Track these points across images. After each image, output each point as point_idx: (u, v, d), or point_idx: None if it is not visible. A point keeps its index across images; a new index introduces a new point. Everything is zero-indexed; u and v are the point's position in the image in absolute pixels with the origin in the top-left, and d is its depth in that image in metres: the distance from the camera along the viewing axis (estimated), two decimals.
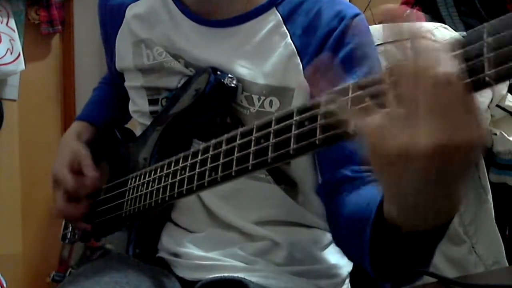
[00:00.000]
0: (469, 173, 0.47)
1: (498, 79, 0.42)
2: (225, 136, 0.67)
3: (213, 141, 0.69)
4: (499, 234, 1.16)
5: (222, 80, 0.82)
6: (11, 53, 2.21)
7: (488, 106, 1.11)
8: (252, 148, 0.61)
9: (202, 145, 0.72)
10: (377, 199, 0.57)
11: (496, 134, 1.12)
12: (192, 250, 0.87)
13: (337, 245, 0.81)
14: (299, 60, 0.82)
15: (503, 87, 1.18)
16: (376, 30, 1.21)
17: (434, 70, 0.43)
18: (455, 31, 1.19)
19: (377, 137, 0.45)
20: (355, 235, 0.63)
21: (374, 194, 0.60)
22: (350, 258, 0.79)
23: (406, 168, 0.45)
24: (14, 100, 2.33)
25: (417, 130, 0.43)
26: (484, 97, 1.08)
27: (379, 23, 1.59)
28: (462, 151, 0.43)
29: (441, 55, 0.43)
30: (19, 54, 2.23)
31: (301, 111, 0.57)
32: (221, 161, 0.66)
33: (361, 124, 0.47)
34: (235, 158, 0.64)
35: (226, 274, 0.83)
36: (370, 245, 0.59)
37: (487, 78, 0.42)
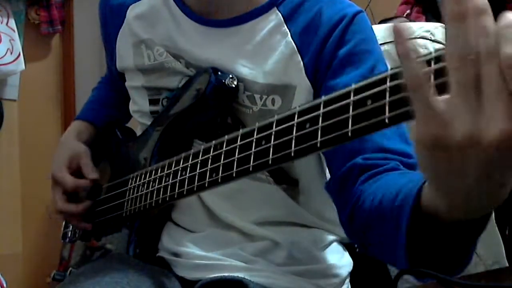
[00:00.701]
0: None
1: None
2: (226, 137, 0.67)
3: (214, 142, 0.69)
4: (499, 234, 1.16)
5: (223, 81, 0.82)
6: (11, 53, 2.21)
7: None
8: (253, 150, 0.61)
9: (203, 146, 0.72)
10: (410, 188, 0.55)
11: None
12: (192, 249, 0.88)
13: (355, 240, 0.76)
14: (300, 58, 0.82)
15: None
16: (376, 30, 1.21)
17: (501, 52, 0.39)
18: None
19: (440, 125, 0.41)
20: (384, 228, 0.60)
21: (401, 182, 0.59)
22: (371, 251, 0.71)
23: (469, 158, 0.41)
24: (14, 100, 2.33)
25: (483, 118, 0.40)
26: None
27: (379, 23, 1.59)
28: None
29: (509, 33, 0.39)
30: (19, 54, 2.23)
31: (302, 112, 0.57)
32: (222, 162, 0.66)
33: (423, 109, 0.42)
34: (236, 159, 0.64)
35: (226, 274, 0.83)
36: (407, 237, 0.54)
37: None
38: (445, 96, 0.42)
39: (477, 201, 0.46)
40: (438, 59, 0.44)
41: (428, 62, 0.44)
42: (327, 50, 0.81)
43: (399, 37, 0.43)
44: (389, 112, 0.48)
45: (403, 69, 0.44)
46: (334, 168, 0.77)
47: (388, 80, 0.48)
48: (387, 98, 0.48)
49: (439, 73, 0.43)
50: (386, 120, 0.47)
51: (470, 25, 0.40)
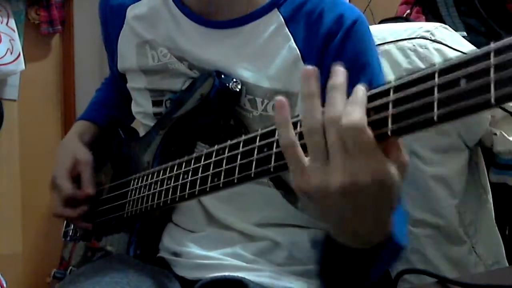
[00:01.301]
0: (386, 206, 0.54)
1: (399, 134, 0.49)
2: (229, 142, 0.67)
3: (216, 147, 0.69)
4: (499, 234, 1.16)
5: (227, 84, 0.82)
6: (11, 53, 2.20)
7: None
8: (255, 156, 0.61)
9: (205, 150, 0.72)
10: None
11: (496, 134, 1.12)
12: (193, 249, 0.88)
13: None
14: (303, 65, 0.82)
15: None
16: (376, 30, 1.21)
17: (342, 121, 0.50)
18: (455, 31, 1.19)
19: (302, 179, 0.53)
20: None
21: None
22: None
23: (327, 203, 0.53)
24: (14, 100, 2.33)
25: (330, 172, 0.51)
26: None
27: (379, 23, 1.59)
28: (369, 189, 0.50)
29: (349, 108, 0.50)
30: (19, 54, 2.23)
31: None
32: (224, 167, 0.66)
33: (292, 166, 0.54)
34: (238, 165, 0.64)
35: (226, 274, 0.83)
36: (321, 258, 0.68)
37: (389, 132, 0.48)
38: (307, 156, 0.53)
39: (352, 234, 0.57)
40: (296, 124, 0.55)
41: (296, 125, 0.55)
42: (327, 59, 0.81)
43: (279, 111, 0.54)
44: (392, 125, 0.49)
45: (278, 134, 0.56)
46: None
47: (391, 92, 0.49)
48: (390, 111, 0.49)
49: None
50: (389, 133, 0.49)
51: (316, 102, 0.52)
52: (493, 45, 0.43)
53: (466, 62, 0.44)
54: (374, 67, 0.82)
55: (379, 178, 0.50)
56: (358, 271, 0.66)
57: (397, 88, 0.49)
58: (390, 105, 0.49)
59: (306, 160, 0.53)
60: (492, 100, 0.42)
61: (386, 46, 1.17)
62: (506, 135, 1.11)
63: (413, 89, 0.47)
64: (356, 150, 0.49)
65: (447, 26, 1.20)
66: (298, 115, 0.56)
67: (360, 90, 0.52)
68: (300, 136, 0.54)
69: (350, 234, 0.58)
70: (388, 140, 0.50)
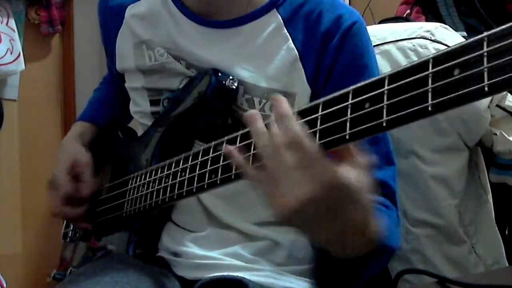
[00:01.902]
0: (355, 210, 0.55)
1: (326, 148, 0.53)
2: (225, 138, 0.67)
3: (213, 143, 0.69)
4: (499, 234, 1.16)
5: (224, 82, 0.82)
6: (11, 53, 2.20)
7: (488, 106, 1.11)
8: (252, 152, 0.61)
9: (202, 147, 0.72)
10: None
11: (496, 134, 1.12)
12: (193, 249, 0.88)
13: None
14: (301, 66, 0.82)
15: None
16: (376, 30, 1.21)
17: (281, 139, 0.53)
18: (455, 31, 1.19)
19: (269, 197, 0.56)
20: None
21: None
22: None
23: (291, 220, 0.55)
24: (14, 100, 2.33)
25: (280, 189, 0.54)
26: None
27: (379, 23, 1.59)
28: (319, 198, 0.52)
29: (285, 125, 0.54)
30: (19, 54, 2.23)
31: (300, 114, 0.57)
32: (221, 163, 0.67)
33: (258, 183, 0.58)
34: None
35: (226, 274, 0.83)
36: (314, 259, 0.69)
37: (486, 88, 0.43)
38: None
39: (329, 242, 0.59)
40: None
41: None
42: (326, 60, 0.81)
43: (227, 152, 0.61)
44: (387, 116, 0.48)
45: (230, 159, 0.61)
46: None
47: (386, 82, 0.48)
48: (385, 101, 0.48)
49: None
50: (384, 124, 0.48)
51: (261, 133, 0.57)
52: (486, 34, 0.43)
53: (460, 51, 0.44)
54: (372, 68, 0.83)
55: (327, 184, 0.52)
56: (347, 274, 0.67)
57: (392, 79, 0.49)
58: (385, 96, 0.49)
59: (268, 182, 0.56)
60: (486, 89, 0.42)
61: (386, 46, 1.17)
62: (506, 135, 1.11)
63: (407, 80, 0.47)
64: (299, 163, 0.53)
65: (447, 26, 1.20)
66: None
67: (280, 101, 0.57)
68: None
69: (327, 242, 0.60)
70: (341, 145, 0.52)
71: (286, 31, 0.84)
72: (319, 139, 0.54)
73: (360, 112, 0.51)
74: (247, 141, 0.62)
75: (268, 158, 0.56)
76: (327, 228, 0.56)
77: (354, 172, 0.53)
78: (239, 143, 0.64)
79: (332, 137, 0.53)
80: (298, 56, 0.83)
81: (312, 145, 0.52)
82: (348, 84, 0.79)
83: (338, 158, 0.54)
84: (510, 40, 0.41)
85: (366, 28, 0.85)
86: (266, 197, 0.56)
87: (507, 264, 1.15)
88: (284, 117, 0.55)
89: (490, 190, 1.17)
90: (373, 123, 0.49)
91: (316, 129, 0.54)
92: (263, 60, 0.84)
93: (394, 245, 0.68)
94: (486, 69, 0.42)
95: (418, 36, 1.15)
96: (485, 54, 0.42)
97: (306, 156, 0.52)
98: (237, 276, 0.82)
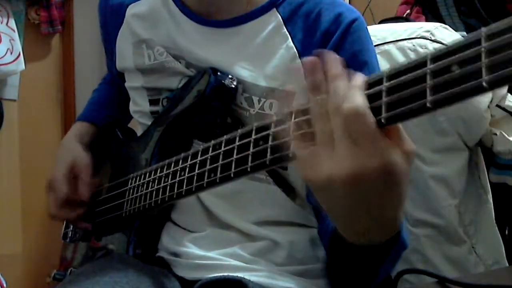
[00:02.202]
0: (394, 197, 0.52)
1: (391, 122, 0.48)
2: (225, 137, 0.67)
3: (212, 142, 0.69)
4: (499, 234, 1.16)
5: (223, 81, 0.82)
6: (11, 53, 2.21)
7: (488, 106, 1.11)
8: (251, 150, 0.61)
9: (201, 146, 0.72)
10: None
11: (496, 134, 1.12)
12: (192, 249, 0.87)
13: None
14: (301, 64, 0.82)
15: (503, 87, 1.18)
16: (376, 30, 1.21)
17: (343, 106, 0.49)
18: (455, 31, 1.19)
19: (309, 168, 0.52)
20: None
21: None
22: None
23: (334, 194, 0.51)
24: (14, 100, 2.33)
25: (336, 161, 0.50)
26: (484, 97, 1.08)
27: (379, 23, 1.59)
28: (374, 177, 0.49)
29: (350, 93, 0.49)
30: (19, 54, 2.23)
31: (299, 113, 0.57)
32: (220, 162, 0.66)
33: (295, 152, 0.54)
34: (234, 159, 0.64)
35: (225, 274, 0.83)
36: (328, 257, 0.67)
37: (383, 120, 0.48)
38: (312, 144, 0.52)
39: (359, 228, 0.55)
40: (305, 111, 0.54)
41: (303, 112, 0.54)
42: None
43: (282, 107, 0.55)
44: (386, 112, 0.48)
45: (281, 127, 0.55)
46: None
47: (384, 80, 0.49)
48: (383, 99, 0.48)
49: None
50: (383, 121, 0.48)
51: (324, 90, 0.52)
52: (484, 30, 0.43)
53: (458, 48, 0.44)
54: (372, 65, 0.82)
55: (384, 163, 0.49)
56: (366, 269, 0.64)
57: (391, 77, 0.49)
58: (384, 93, 0.49)
59: (313, 148, 0.52)
60: (484, 84, 0.42)
61: (386, 46, 1.17)
62: (506, 135, 1.11)
63: (406, 77, 0.47)
64: (359, 135, 0.48)
65: (447, 26, 1.20)
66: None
67: (359, 76, 0.52)
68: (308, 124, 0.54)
69: (358, 228, 0.56)
70: (387, 127, 0.49)
71: (285, 30, 0.84)
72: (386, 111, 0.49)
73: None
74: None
75: (320, 123, 0.52)
76: (368, 211, 0.53)
77: (403, 157, 0.50)
78: (238, 142, 0.64)
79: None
80: (297, 55, 0.83)
81: (373, 121, 0.48)
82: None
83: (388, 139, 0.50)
84: (507, 35, 0.41)
85: (366, 26, 0.85)
86: (306, 167, 0.52)
87: (507, 264, 1.15)
88: (352, 86, 0.51)
89: (490, 190, 1.17)
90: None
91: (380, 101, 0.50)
92: (262, 59, 0.84)
93: (407, 241, 0.67)
94: (484, 64, 0.42)
95: (418, 36, 1.15)
96: (483, 49, 0.42)
97: (367, 130, 0.48)
98: (237, 276, 0.81)
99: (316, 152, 0.51)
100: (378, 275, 0.66)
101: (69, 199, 0.96)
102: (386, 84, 0.48)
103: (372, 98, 0.49)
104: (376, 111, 0.49)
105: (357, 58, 0.82)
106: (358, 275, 0.65)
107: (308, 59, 0.53)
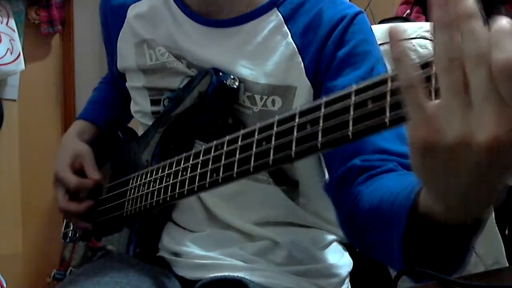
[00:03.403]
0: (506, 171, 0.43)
1: None
2: (227, 137, 0.67)
3: (214, 142, 0.69)
4: (499, 234, 1.16)
5: (224, 81, 0.82)
6: (11, 53, 2.21)
7: None
8: (254, 150, 0.61)
9: (203, 146, 0.72)
10: (408, 193, 0.55)
11: None
12: (193, 249, 0.88)
13: (353, 240, 0.76)
14: (301, 59, 0.82)
15: None
16: (376, 30, 1.21)
17: (491, 57, 0.39)
18: None
19: (430, 129, 0.42)
20: (381, 231, 0.60)
21: (399, 186, 0.58)
22: (370, 252, 0.70)
23: (460, 161, 0.42)
24: (14, 100, 2.33)
25: (473, 122, 0.40)
26: None
27: (379, 23, 1.59)
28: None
29: (503, 40, 0.39)
30: (19, 54, 2.23)
31: (303, 113, 0.57)
32: (223, 162, 0.66)
33: (415, 112, 0.43)
34: (236, 159, 0.64)
35: (226, 274, 0.83)
36: (403, 239, 0.55)
37: None
38: (436, 101, 0.42)
39: (473, 203, 0.46)
40: (432, 63, 0.44)
41: (423, 66, 0.44)
42: (327, 50, 0.81)
43: (393, 39, 0.43)
44: (390, 113, 0.47)
45: (397, 71, 0.44)
46: (333, 169, 0.78)
47: (389, 81, 0.48)
48: (388, 99, 0.48)
49: (431, 78, 0.44)
50: (387, 122, 0.47)
51: (458, 30, 0.41)
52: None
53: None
54: (375, 55, 0.82)
55: None
56: (457, 249, 0.54)
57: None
58: None
59: (432, 106, 0.42)
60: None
61: (386, 46, 1.17)
62: None
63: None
64: (500, 94, 0.38)
65: None
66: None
67: (504, 19, 0.40)
68: (427, 79, 0.44)
69: (459, 204, 0.47)
70: None
71: (286, 28, 0.84)
72: None
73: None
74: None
75: (451, 74, 0.41)
76: (492, 183, 0.44)
77: None
78: (241, 142, 0.64)
79: None
80: (296, 50, 0.83)
81: None
82: (349, 70, 0.79)
83: None
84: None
85: (367, 20, 0.85)
86: (429, 128, 0.42)
87: (507, 264, 1.15)
88: (500, 31, 0.39)
89: None
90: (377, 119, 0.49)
91: None
92: (263, 57, 0.84)
93: None
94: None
95: (418, 36, 1.15)
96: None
97: None
98: (237, 276, 0.82)
99: (444, 113, 0.42)
100: (465, 259, 0.56)
101: (79, 188, 0.96)
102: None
103: None
104: None
105: (360, 48, 0.81)
106: (447, 256, 0.55)
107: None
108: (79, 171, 0.98)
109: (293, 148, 0.56)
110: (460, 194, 0.45)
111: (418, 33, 1.16)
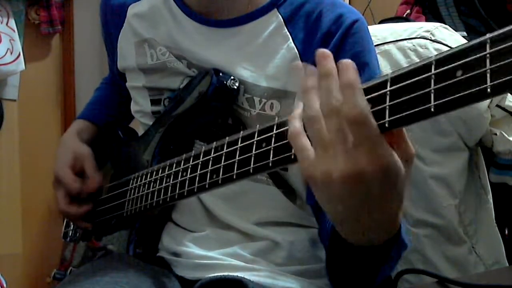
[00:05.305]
0: (392, 198, 0.52)
1: (395, 126, 0.48)
2: (227, 139, 0.67)
3: (215, 144, 0.69)
4: (499, 234, 1.16)
5: (225, 82, 0.82)
6: (11, 53, 2.21)
7: (488, 106, 1.11)
8: (254, 152, 0.61)
9: (204, 147, 0.72)
10: None
11: (496, 134, 1.12)
12: (193, 249, 0.88)
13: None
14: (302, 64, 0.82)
15: None
16: (376, 30, 1.21)
17: (344, 110, 0.48)
18: (455, 31, 1.19)
19: (306, 165, 0.52)
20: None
21: None
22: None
23: (330, 191, 0.51)
24: (14, 100, 2.33)
25: (332, 161, 0.49)
26: None
27: (379, 23, 1.59)
28: (373, 177, 0.48)
29: (351, 95, 0.48)
30: (19, 54, 2.23)
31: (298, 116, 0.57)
32: (223, 163, 0.66)
33: (299, 150, 0.53)
34: (236, 161, 0.64)
35: (226, 274, 0.83)
36: (328, 257, 0.67)
37: (387, 124, 0.48)
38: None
39: (357, 227, 0.55)
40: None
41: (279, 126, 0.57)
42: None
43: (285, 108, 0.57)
44: (389, 117, 0.48)
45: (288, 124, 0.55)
46: (324, 221, 0.80)
47: (388, 83, 0.48)
48: (387, 103, 0.48)
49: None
50: (386, 125, 0.48)
51: (313, 94, 0.52)
52: (488, 36, 0.43)
53: (463, 53, 0.44)
54: (373, 66, 0.83)
55: (383, 166, 0.48)
56: (366, 269, 0.64)
57: (394, 79, 0.48)
58: (387, 97, 0.48)
59: (311, 148, 0.52)
60: (489, 90, 0.42)
61: (386, 46, 1.17)
62: (506, 135, 1.11)
63: (410, 81, 0.47)
64: (360, 140, 0.48)
65: (447, 26, 1.20)
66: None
67: (351, 69, 0.51)
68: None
69: (357, 228, 0.55)
70: (390, 131, 0.49)
71: (286, 30, 0.84)
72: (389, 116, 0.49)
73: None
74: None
75: (314, 125, 0.51)
76: (367, 211, 0.52)
77: (403, 160, 0.50)
78: (241, 143, 0.64)
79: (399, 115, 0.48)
80: (298, 55, 0.83)
81: (375, 125, 0.48)
82: None
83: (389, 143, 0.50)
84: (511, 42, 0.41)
85: (367, 27, 0.85)
86: (306, 164, 0.52)
87: (507, 264, 1.15)
88: (351, 87, 0.49)
89: (490, 190, 1.17)
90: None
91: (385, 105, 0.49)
92: (263, 59, 0.84)
93: (407, 241, 0.66)
94: (489, 70, 0.42)
95: (418, 36, 1.15)
96: (488, 55, 0.42)
97: (369, 134, 0.48)
98: (237, 276, 0.82)
99: (312, 154, 0.51)
100: (378, 275, 0.66)
101: (80, 191, 0.96)
102: (390, 88, 0.48)
103: (374, 101, 0.49)
104: (378, 114, 0.48)
105: (358, 60, 0.81)
106: (358, 275, 0.65)
107: (321, 52, 0.53)
108: (80, 174, 0.98)
109: (293, 150, 0.57)
110: (342, 220, 0.55)
111: (418, 33, 1.16)
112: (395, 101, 0.48)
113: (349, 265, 0.64)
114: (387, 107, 0.48)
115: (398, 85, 0.48)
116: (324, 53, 0.52)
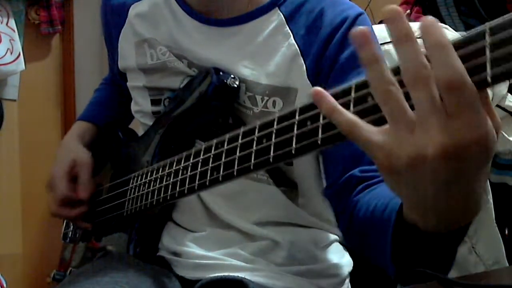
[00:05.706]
0: (484, 173, 0.46)
1: (498, 79, 0.42)
2: (227, 135, 0.67)
3: (215, 141, 0.69)
4: (499, 234, 1.16)
5: (225, 81, 0.82)
6: (11, 53, 2.21)
7: None
8: (254, 148, 0.61)
9: (204, 145, 0.72)
10: (395, 201, 0.58)
11: None
12: (193, 249, 0.88)
13: (351, 245, 0.80)
14: (303, 61, 0.82)
15: (503, 88, 1.18)
16: (376, 30, 1.21)
17: (437, 75, 0.42)
18: (455, 31, 1.20)
19: (384, 155, 0.45)
20: (375, 237, 0.63)
21: (390, 195, 0.60)
22: (367, 258, 0.73)
23: (421, 175, 0.44)
24: (14, 100, 2.33)
25: (422, 138, 0.43)
26: None
27: (379, 23, 1.59)
28: (473, 150, 0.43)
29: (444, 56, 0.42)
30: (19, 54, 2.23)
31: (303, 110, 0.57)
32: (223, 160, 0.66)
33: (366, 141, 0.46)
34: (237, 157, 0.64)
35: (226, 274, 0.83)
36: (392, 247, 0.58)
37: (488, 78, 0.42)
38: (384, 127, 0.46)
39: (446, 215, 0.49)
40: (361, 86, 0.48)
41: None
42: (329, 53, 0.81)
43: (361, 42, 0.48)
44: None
45: (370, 73, 0.47)
46: (332, 177, 0.80)
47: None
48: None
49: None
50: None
51: (409, 47, 0.44)
52: (488, 25, 0.42)
53: (462, 43, 0.43)
54: None
55: (483, 137, 0.42)
56: (443, 255, 0.57)
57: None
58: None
59: (379, 135, 0.46)
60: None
61: (386, 46, 1.17)
62: (506, 135, 1.11)
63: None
64: (455, 108, 0.42)
65: (447, 26, 1.20)
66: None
67: (436, 27, 0.43)
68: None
69: (442, 212, 0.49)
70: (483, 91, 0.43)
71: (287, 28, 0.84)
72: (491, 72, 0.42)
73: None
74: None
75: (390, 98, 0.44)
76: (454, 191, 0.46)
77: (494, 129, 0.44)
78: (241, 140, 0.64)
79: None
80: (298, 51, 0.83)
81: (475, 90, 0.42)
82: (352, 76, 0.79)
83: None
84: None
85: (369, 21, 0.85)
86: (383, 154, 0.45)
87: (507, 264, 1.15)
88: (442, 47, 0.42)
89: (490, 190, 1.17)
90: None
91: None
92: (264, 57, 0.84)
93: None
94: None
95: (418, 36, 1.15)
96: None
97: (468, 100, 0.41)
98: (238, 276, 0.82)
99: (391, 134, 0.45)
100: (451, 266, 0.60)
101: (69, 198, 0.96)
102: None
103: (469, 58, 0.43)
104: (475, 71, 0.42)
105: None
106: (434, 261, 0.58)
107: (389, 7, 0.45)
108: (76, 177, 0.98)
109: (294, 145, 0.56)
110: (430, 205, 0.48)
111: (418, 33, 1.16)
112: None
113: (418, 257, 0.58)
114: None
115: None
116: (397, 10, 0.45)
